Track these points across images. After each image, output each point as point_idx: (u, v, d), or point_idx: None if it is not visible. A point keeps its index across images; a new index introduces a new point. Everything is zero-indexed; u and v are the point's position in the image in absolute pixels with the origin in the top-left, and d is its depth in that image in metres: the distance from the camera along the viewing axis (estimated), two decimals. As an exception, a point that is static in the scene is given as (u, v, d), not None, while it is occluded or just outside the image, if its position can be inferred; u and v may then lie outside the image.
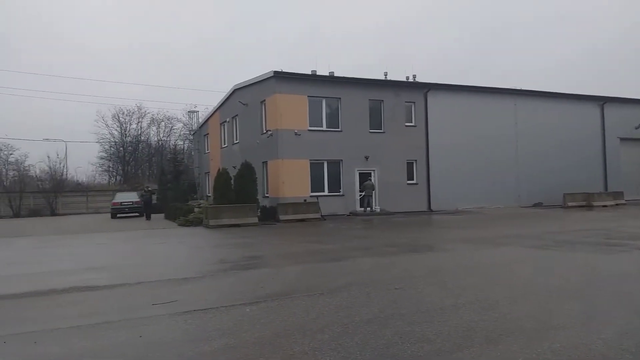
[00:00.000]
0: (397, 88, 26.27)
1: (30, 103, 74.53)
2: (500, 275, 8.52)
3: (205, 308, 6.44)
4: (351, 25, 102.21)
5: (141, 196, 29.22)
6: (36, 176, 44.42)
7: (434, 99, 26.93)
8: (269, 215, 22.08)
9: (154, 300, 7.03)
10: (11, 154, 51.05)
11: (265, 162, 24.90)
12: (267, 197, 24.34)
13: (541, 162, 29.39)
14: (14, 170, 48.58)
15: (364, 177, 24.89)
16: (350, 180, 24.79)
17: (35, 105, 76.31)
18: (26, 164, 47.98)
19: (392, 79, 27.40)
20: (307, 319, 5.82)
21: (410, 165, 26.40)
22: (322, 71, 25.43)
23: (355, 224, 20.34)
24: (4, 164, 51.33)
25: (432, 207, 26.45)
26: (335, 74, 25.58)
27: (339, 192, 24.54)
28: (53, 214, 38.10)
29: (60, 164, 44.56)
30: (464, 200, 27.11)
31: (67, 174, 47.12)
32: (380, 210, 24.79)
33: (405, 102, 26.37)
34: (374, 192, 24.65)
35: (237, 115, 29.22)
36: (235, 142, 29.82)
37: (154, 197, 36.89)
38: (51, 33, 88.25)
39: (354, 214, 24.15)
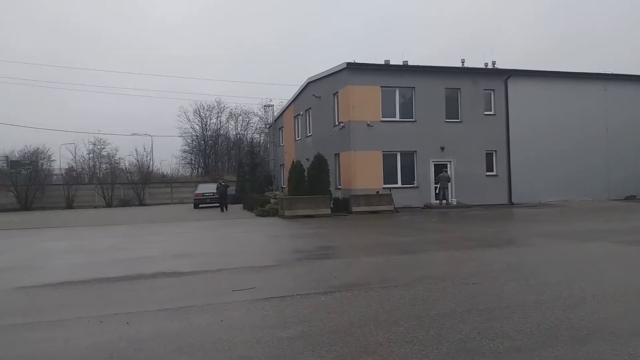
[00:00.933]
0: (475, 75, 25.32)
1: (120, 100, 79.96)
2: (587, 272, 8.01)
3: (281, 296, 6.64)
4: (426, 12, 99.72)
5: (217, 188, 29.81)
6: (125, 169, 47.63)
7: (515, 86, 25.65)
8: (342, 207, 22.21)
9: (234, 286, 7.35)
10: (103, 148, 55.13)
11: (337, 154, 25.02)
12: (340, 188, 24.48)
13: (635, 153, 27.08)
14: (106, 163, 52.41)
15: (439, 168, 24.29)
16: (425, 171, 24.30)
17: (124, 102, 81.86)
18: (116, 157, 51.48)
19: (470, 65, 26.44)
20: (382, 310, 5.82)
21: (489, 155, 25.40)
22: (396, 61, 25.05)
23: (430, 216, 19.96)
24: (97, 158, 55.55)
25: (513, 200, 25.31)
26: (410, 63, 25.09)
27: (413, 184, 24.15)
28: (141, 204, 40.76)
29: (147, 157, 47.46)
30: (548, 193, 25.68)
31: (153, 167, 50.06)
32: (457, 203, 24.10)
33: (484, 89, 25.36)
34: (449, 184, 24.01)
35: (310, 108, 29.56)
36: (308, 134, 30.21)
37: (232, 188, 38.39)
38: (136, 33, 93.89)
39: (428, 206, 23.68)
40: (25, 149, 46.47)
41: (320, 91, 27.25)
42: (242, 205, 31.06)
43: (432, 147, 24.24)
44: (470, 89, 25.04)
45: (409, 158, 24.18)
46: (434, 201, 24.08)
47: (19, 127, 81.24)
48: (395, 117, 23.99)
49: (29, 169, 42.04)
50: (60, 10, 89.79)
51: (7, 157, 45.61)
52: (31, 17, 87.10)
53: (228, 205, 28.58)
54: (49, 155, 48.88)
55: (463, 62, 27.05)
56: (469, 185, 24.51)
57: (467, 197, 24.35)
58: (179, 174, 59.04)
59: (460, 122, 24.83)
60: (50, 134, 69.62)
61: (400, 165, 24.03)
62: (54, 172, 49.24)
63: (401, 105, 24.22)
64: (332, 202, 22.02)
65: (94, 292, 7.51)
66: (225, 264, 9.61)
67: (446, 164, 24.52)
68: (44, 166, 46.25)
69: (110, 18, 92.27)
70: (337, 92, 24.83)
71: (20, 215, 31.46)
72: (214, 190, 32.27)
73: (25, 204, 37.74)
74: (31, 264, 10.59)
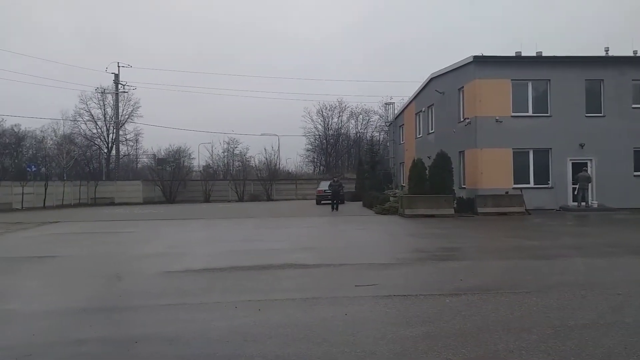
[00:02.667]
0: (622, 65, 22.66)
1: (252, 102, 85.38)
2: None
3: (404, 294, 6.60)
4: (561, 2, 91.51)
5: (330, 186, 28.07)
6: (255, 166, 50.68)
7: (672, 74, 22.48)
8: (466, 207, 21.34)
9: (356, 281, 7.47)
10: (236, 147, 59.36)
11: (462, 152, 24.09)
12: (464, 188, 23.53)
13: None
14: (238, 161, 56.36)
15: (578, 167, 22.16)
16: (561, 171, 22.36)
17: (255, 104, 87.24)
18: (247, 155, 55.05)
19: (615, 54, 23.75)
20: (512, 316, 5.51)
21: (638, 154, 22.59)
22: (528, 52, 23.37)
23: (566, 220, 18.36)
24: (231, 156, 59.92)
25: (668, 204, 22.24)
26: (544, 54, 23.27)
27: (547, 184, 22.35)
28: (269, 199, 43.13)
29: (274, 155, 49.99)
30: None
31: (279, 165, 52.50)
32: (598, 205, 21.81)
33: (633, 80, 22.58)
34: (590, 184, 21.82)
35: (432, 104, 28.83)
36: (430, 131, 29.51)
37: (352, 186, 38.88)
38: (264, 35, 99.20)
39: (565, 208, 21.76)
40: (170, 148, 51.86)
41: (444, 87, 26.46)
42: (361, 202, 31.32)
43: (570, 144, 22.21)
44: (616, 80, 22.47)
45: (543, 156, 22.43)
46: (571, 203, 22.07)
47: (165, 128, 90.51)
48: (527, 112, 22.40)
49: (173, 165, 46.79)
50: (200, 15, 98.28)
51: (154, 155, 51.34)
52: (178, 25, 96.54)
53: (339, 205, 26.36)
54: (190, 154, 54.04)
55: (607, 50, 24.40)
56: (613, 186, 22.03)
57: (610, 199, 21.91)
58: (303, 171, 61.38)
59: (604, 116, 22.43)
60: (190, 134, 77.01)
61: (532, 164, 22.39)
62: (194, 168, 54.18)
63: (534, 99, 22.56)
64: (455, 202, 21.27)
65: (229, 279, 8.14)
66: (346, 259, 9.81)
67: (586, 163, 22.30)
68: (185, 163, 51.17)
69: (242, 26, 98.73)
70: (463, 87, 23.91)
71: (166, 207, 35.09)
72: None
73: (169, 197, 41.99)
74: (176, 251, 11.77)
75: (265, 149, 63.38)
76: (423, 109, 30.89)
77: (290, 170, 57.23)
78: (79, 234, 16.63)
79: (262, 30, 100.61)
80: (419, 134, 32.19)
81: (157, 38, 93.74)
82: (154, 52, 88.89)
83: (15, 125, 46.34)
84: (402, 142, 37.72)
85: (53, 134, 47.32)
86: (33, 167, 40.08)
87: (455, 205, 20.93)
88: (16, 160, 44.76)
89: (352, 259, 9.84)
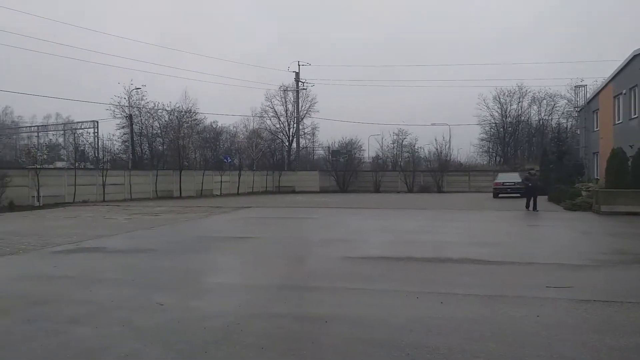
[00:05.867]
0: None
1: (422, 91, 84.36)
2: None
3: (606, 300, 5.90)
4: None
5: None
6: (425, 157, 49.96)
7: None
8: (682, 205, 18.05)
9: (546, 282, 6.89)
10: (405, 138, 59.09)
11: (676, 139, 20.41)
12: (679, 182, 19.92)
13: None
14: (407, 152, 56.07)
15: None
16: None
17: (425, 92, 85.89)
18: (417, 146, 54.46)
19: None
20: None
21: None
22: None
23: None
24: (400, 147, 59.89)
25: None
26: None
27: None
28: (439, 190, 42.23)
29: (445, 146, 48.59)
30: None
31: (450, 155, 50.95)
32: None
33: None
34: None
35: (636, 85, 24.91)
36: (633, 116, 25.56)
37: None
38: (452, 21, 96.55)
39: None
40: (342, 140, 53.82)
41: (653, 64, 22.66)
42: (546, 196, 28.67)
43: None
44: None
45: None
46: None
47: (338, 122, 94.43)
48: None
49: (345, 157, 48.79)
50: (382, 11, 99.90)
51: (329, 147, 54.03)
52: (359, 21, 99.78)
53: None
54: (360, 145, 55.50)
55: None
56: None
57: None
58: (476, 162, 58.51)
59: None
60: (361, 127, 78.62)
61: None
62: (364, 160, 55.61)
63: None
64: (666, 198, 18.16)
65: (407, 269, 8.23)
66: (533, 257, 9.10)
67: None
68: (356, 155, 52.83)
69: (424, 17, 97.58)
70: (678, 63, 20.19)
71: (340, 196, 36.72)
72: (515, 180, 30.54)
73: (342, 187, 43.98)
74: (353, 238, 12.30)
75: (435, 139, 61.71)
76: (624, 91, 26.93)
77: (461, 161, 55.04)
78: (269, 218, 18.41)
79: (440, 18, 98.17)
80: (619, 120, 28.20)
81: (338, 35, 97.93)
82: (334, 47, 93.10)
83: (214, 121, 52.78)
84: (596, 130, 33.55)
85: (244, 129, 52.73)
86: (228, 158, 45.41)
87: (666, 203, 17.90)
88: (215, 153, 51.11)
89: (539, 257, 9.10)
